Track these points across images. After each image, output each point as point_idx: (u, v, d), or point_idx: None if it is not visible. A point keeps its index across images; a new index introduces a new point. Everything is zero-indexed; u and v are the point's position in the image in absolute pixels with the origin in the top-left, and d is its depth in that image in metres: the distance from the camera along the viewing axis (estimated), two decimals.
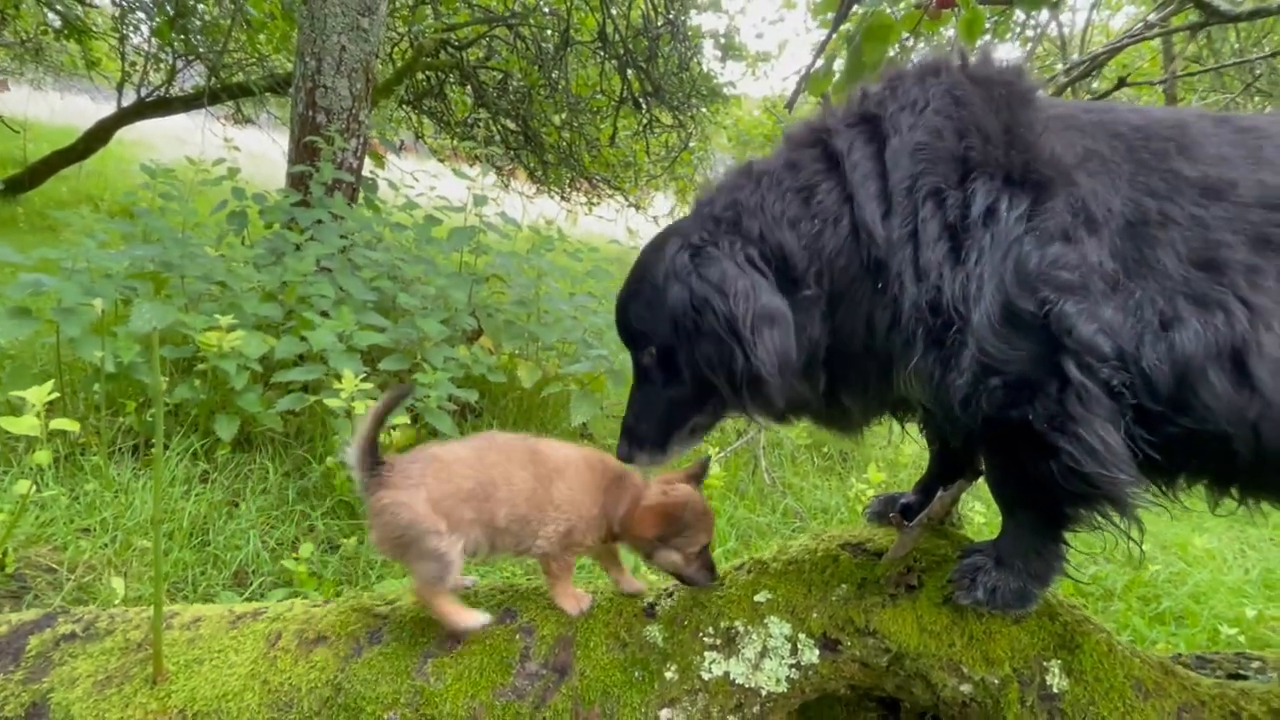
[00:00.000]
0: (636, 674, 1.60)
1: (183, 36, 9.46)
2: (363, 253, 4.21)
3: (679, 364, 1.49)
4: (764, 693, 1.56)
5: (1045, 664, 1.42)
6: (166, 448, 3.30)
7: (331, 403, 3.25)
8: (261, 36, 9.76)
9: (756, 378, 1.37)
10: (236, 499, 3.26)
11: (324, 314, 3.75)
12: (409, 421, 3.53)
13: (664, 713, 1.56)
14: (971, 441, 1.48)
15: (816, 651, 1.55)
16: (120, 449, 3.36)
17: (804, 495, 4.37)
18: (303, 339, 3.59)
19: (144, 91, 10.12)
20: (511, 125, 9.12)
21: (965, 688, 1.44)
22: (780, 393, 1.41)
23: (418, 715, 1.56)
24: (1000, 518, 1.52)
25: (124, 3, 9.67)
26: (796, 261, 1.40)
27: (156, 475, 1.51)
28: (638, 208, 10.13)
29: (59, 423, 2.20)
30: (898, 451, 5.03)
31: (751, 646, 1.58)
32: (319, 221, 4.32)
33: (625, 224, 9.31)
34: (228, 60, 10.21)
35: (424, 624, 1.67)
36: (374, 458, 1.57)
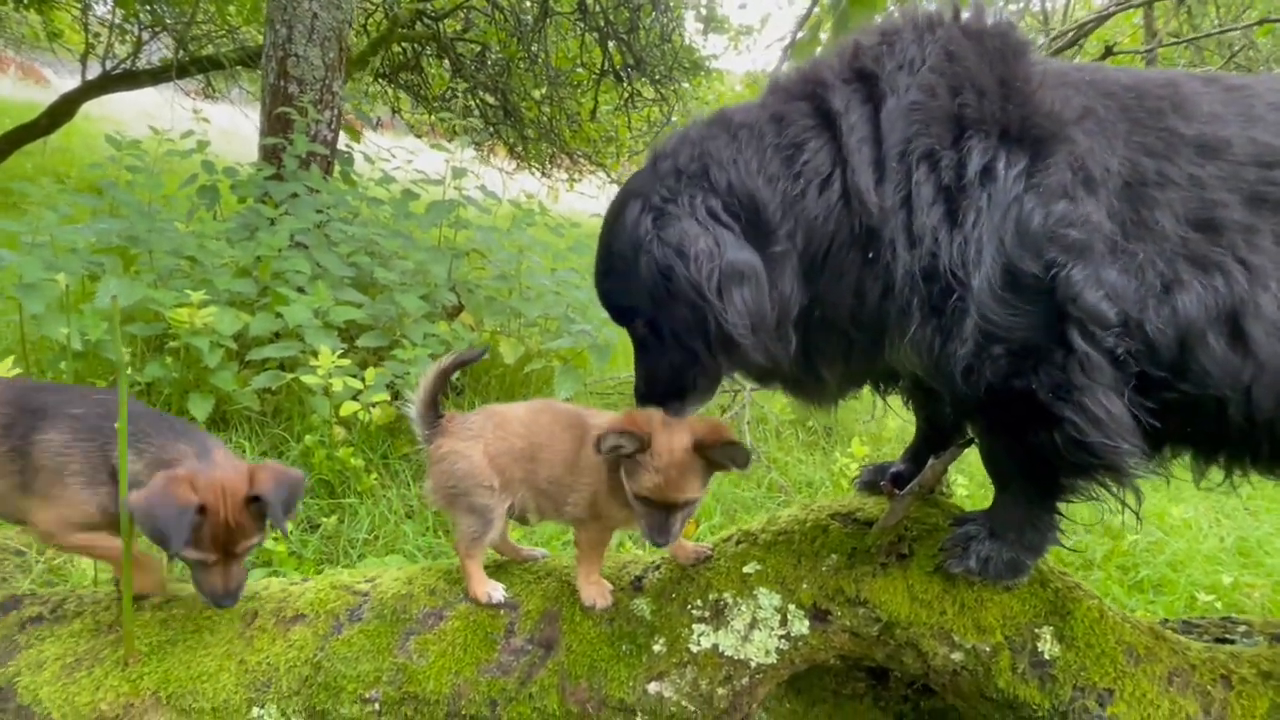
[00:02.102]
0: (624, 648, 1.57)
1: (148, 7, 9.14)
2: (339, 227, 4.10)
3: (663, 332, 1.43)
4: (753, 664, 1.54)
5: (1037, 630, 1.41)
6: None
7: (308, 380, 3.18)
8: (231, 8, 9.45)
9: (729, 339, 1.30)
10: None
11: (300, 290, 3.65)
12: (389, 399, 3.46)
13: (652, 686, 1.54)
14: (967, 411, 1.44)
15: (806, 622, 1.53)
16: None
17: (789, 469, 4.36)
18: (278, 315, 3.50)
19: (109, 64, 9.80)
20: (490, 99, 8.93)
21: (956, 656, 1.43)
22: (757, 351, 1.34)
23: (400, 693, 1.53)
24: (992, 488, 1.50)
25: None
26: (769, 214, 1.32)
27: (122, 449, 1.45)
28: (619, 184, 10.00)
29: None
30: (881, 425, 5.04)
31: (740, 618, 1.56)
32: (294, 195, 4.20)
33: (608, 199, 9.17)
34: (196, 32, 9.90)
35: (405, 600, 1.63)
36: (434, 412, 1.65)
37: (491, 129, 9.16)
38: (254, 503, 1.46)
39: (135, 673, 1.54)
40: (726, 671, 1.54)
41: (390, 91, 10.13)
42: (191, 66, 9.29)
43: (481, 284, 4.43)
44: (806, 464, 4.51)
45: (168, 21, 9.61)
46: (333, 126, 4.95)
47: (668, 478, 1.43)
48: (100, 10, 10.35)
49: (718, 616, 1.57)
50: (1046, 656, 1.39)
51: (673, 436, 1.44)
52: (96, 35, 10.28)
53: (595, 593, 1.61)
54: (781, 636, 1.54)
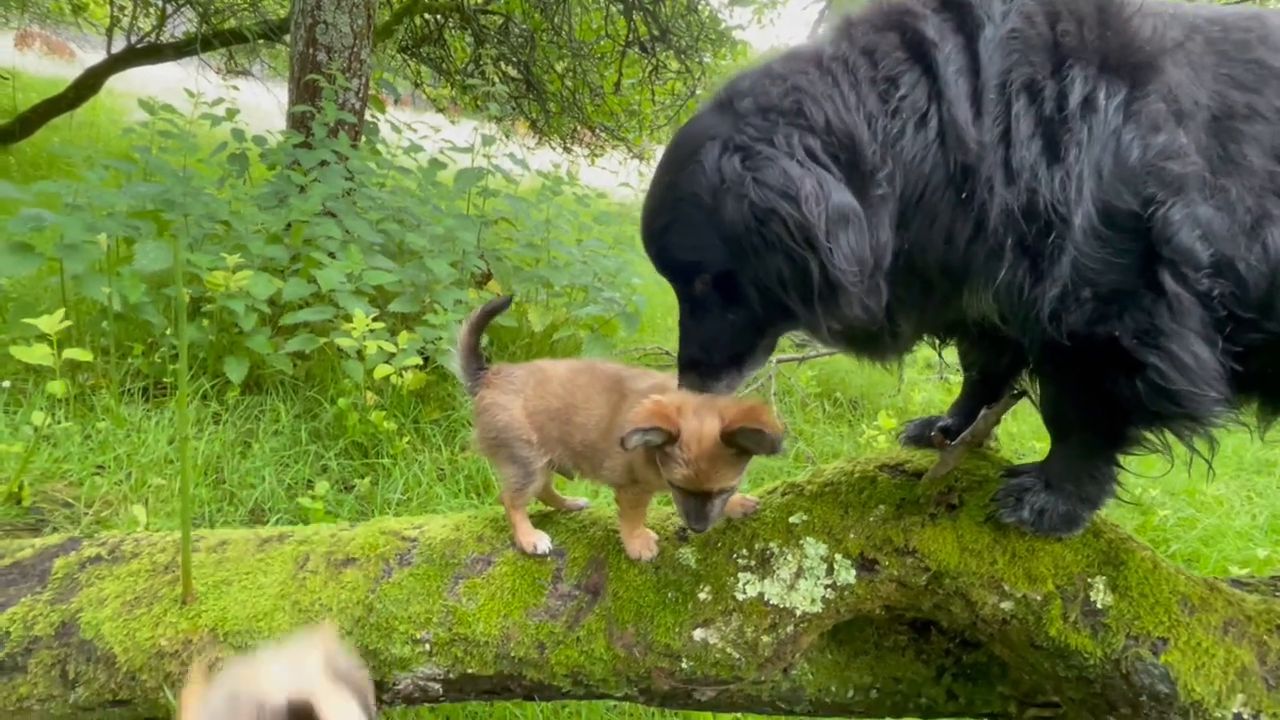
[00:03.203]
0: (670, 595, 1.58)
1: None
2: (369, 193, 4.12)
3: (742, 287, 1.32)
4: (799, 613, 1.55)
5: (1090, 580, 1.40)
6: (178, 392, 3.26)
7: (343, 342, 3.21)
8: None
9: (836, 287, 1.22)
10: (249, 439, 3.24)
11: (331, 255, 3.68)
12: (420, 363, 3.49)
13: (698, 633, 1.56)
14: (1041, 359, 1.39)
15: (853, 571, 1.53)
16: (130, 391, 3.33)
17: (814, 440, 4.36)
18: (311, 280, 3.53)
19: (134, 38, 9.85)
20: (513, 72, 8.87)
21: (1006, 605, 1.43)
22: (858, 302, 1.26)
23: (450, 635, 1.56)
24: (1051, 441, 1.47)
25: None
26: (868, 155, 1.25)
27: (181, 380, 1.48)
28: (641, 158, 9.92)
29: (72, 352, 2.15)
30: (907, 399, 5.02)
31: (787, 567, 1.56)
32: (323, 163, 4.22)
33: (637, 170, 9.09)
34: (219, 5, 9.92)
35: (454, 545, 1.65)
36: (476, 363, 1.68)
37: (514, 103, 9.11)
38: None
39: (193, 611, 1.58)
40: (772, 620, 1.55)
41: (412, 66, 10.08)
42: (215, 40, 9.31)
43: (509, 253, 4.43)
44: (832, 435, 4.50)
45: None
46: (360, 95, 4.95)
47: (698, 469, 1.36)
48: None
49: (763, 565, 1.57)
50: (1099, 605, 1.38)
51: (702, 425, 1.35)
52: (121, 8, 10.33)
53: (640, 545, 1.62)
54: (828, 586, 1.54)
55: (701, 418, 1.36)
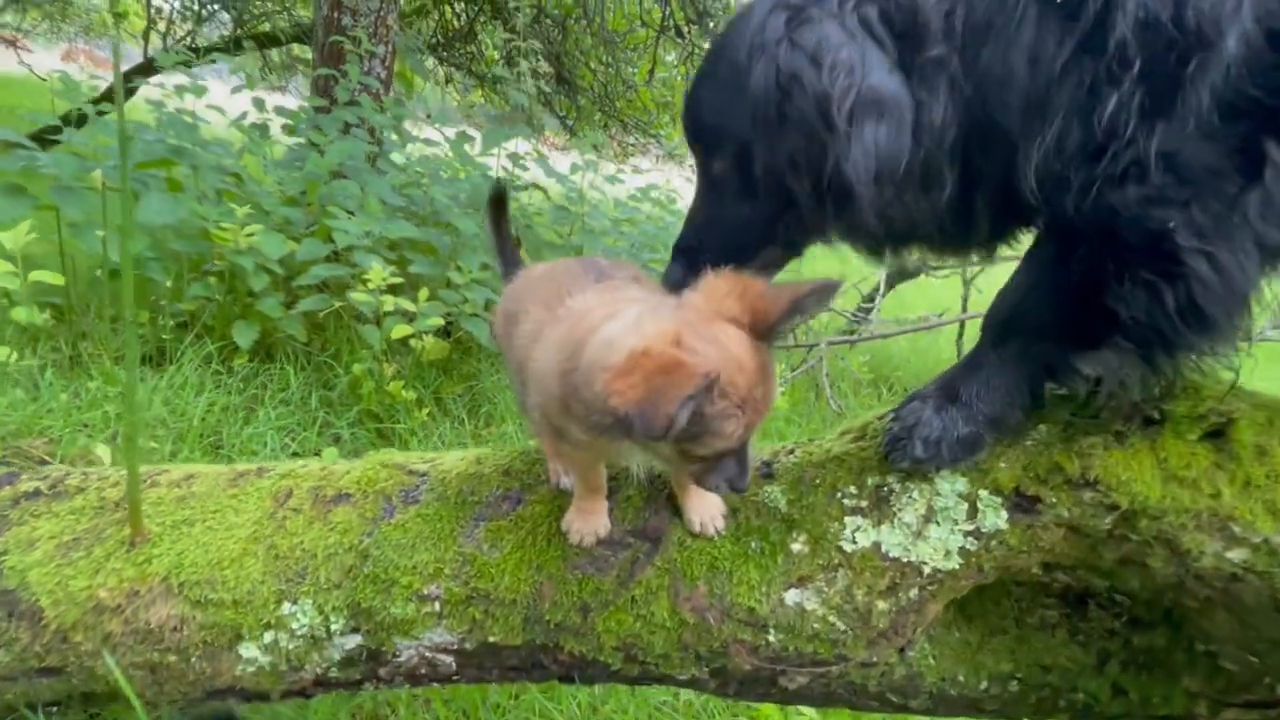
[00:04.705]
0: (753, 545, 1.21)
1: None
2: (391, 150, 3.84)
3: (754, 167, 1.16)
4: (927, 570, 1.17)
5: None
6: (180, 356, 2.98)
7: (358, 297, 2.90)
8: None
9: (845, 186, 1.05)
10: (254, 405, 2.93)
11: (350, 213, 3.39)
12: (442, 325, 3.17)
13: (791, 594, 1.18)
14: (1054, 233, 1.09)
15: (1004, 514, 1.15)
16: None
17: None
18: (328, 239, 3.24)
19: (169, 42, 9.95)
20: (544, 66, 8.66)
21: (1236, 554, 1.03)
22: (875, 209, 1.07)
23: (467, 590, 1.20)
24: None
25: None
26: (929, 14, 1.02)
27: (125, 264, 1.15)
28: (672, 156, 9.64)
29: (39, 274, 1.86)
30: None
31: (912, 509, 1.18)
32: (346, 126, 3.96)
33: (659, 171, 8.83)
34: (254, 10, 10.02)
35: (473, 481, 1.29)
36: (506, 261, 1.49)
37: (544, 99, 8.90)
38: None
39: (143, 555, 1.24)
40: (891, 578, 1.17)
41: (442, 71, 9.96)
42: (249, 42, 9.31)
43: (539, 224, 4.13)
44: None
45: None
46: (386, 63, 4.71)
47: (755, 406, 0.92)
48: None
49: (879, 507, 1.19)
50: None
51: (728, 342, 0.90)
52: (158, 10, 10.43)
53: (581, 522, 1.21)
54: (968, 533, 1.16)
55: (714, 333, 0.91)
